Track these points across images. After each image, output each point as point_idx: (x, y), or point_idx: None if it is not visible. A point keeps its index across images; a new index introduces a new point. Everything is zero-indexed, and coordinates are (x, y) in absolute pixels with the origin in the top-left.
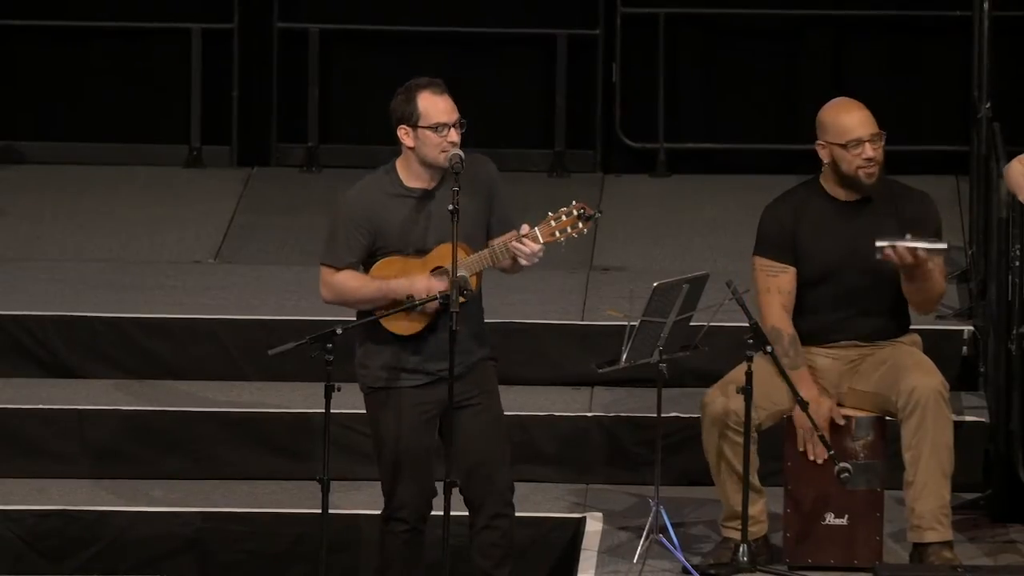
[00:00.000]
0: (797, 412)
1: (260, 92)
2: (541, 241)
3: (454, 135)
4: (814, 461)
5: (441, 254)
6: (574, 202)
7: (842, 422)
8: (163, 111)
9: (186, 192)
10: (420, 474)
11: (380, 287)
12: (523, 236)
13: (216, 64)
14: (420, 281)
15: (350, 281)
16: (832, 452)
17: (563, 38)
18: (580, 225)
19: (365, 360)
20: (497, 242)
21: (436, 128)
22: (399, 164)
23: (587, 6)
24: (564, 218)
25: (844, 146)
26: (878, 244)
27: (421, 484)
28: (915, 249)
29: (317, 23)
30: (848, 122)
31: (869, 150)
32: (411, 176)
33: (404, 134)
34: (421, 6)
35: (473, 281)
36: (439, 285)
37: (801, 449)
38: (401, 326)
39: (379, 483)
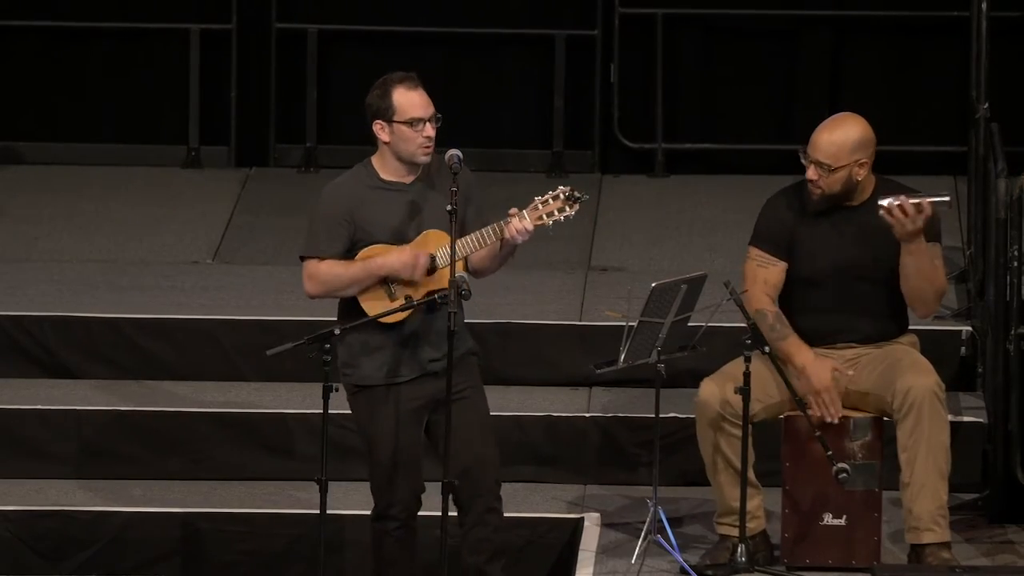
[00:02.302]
0: (812, 375)
1: (258, 93)
2: (531, 226)
3: (429, 130)
4: (812, 462)
5: (426, 240)
6: (560, 186)
7: (850, 372)
8: (161, 112)
9: (184, 192)
10: (409, 470)
11: (365, 266)
12: (510, 216)
13: (214, 65)
14: (406, 254)
15: (334, 268)
16: (830, 452)
17: (561, 39)
18: (568, 209)
19: (349, 360)
20: (485, 229)
21: (411, 123)
22: (375, 159)
23: (585, 7)
24: (551, 201)
25: (802, 156)
26: (880, 203)
27: (410, 480)
28: (919, 203)
29: (315, 23)
30: (813, 137)
31: (810, 171)
32: (387, 170)
33: (380, 129)
34: (420, 6)
35: (459, 266)
36: (423, 256)
37: (815, 416)
38: (381, 309)
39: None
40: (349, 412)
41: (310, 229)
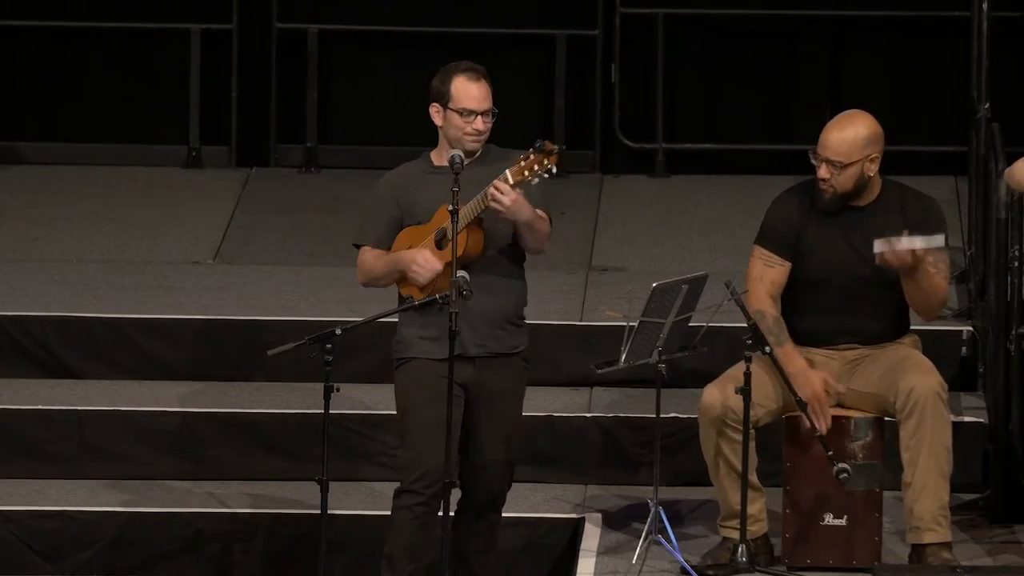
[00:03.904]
0: (808, 385)
1: (259, 93)
2: (511, 181)
3: (480, 123)
4: (813, 463)
5: (441, 216)
6: (537, 141)
7: (841, 389)
8: (162, 111)
9: (185, 193)
10: (441, 445)
11: (389, 259)
12: (495, 181)
13: (215, 65)
14: (421, 254)
15: (369, 258)
16: (831, 452)
17: (562, 38)
18: (546, 162)
19: (404, 337)
20: (477, 196)
21: (463, 113)
22: (434, 150)
23: (586, 6)
24: (531, 156)
25: (812, 156)
26: (876, 249)
27: (442, 457)
28: (913, 249)
29: (316, 23)
30: (822, 135)
31: (822, 170)
32: (441, 157)
33: (435, 112)
34: (421, 6)
35: (478, 238)
36: (435, 260)
37: (808, 423)
38: (416, 294)
39: (378, 483)
40: (351, 412)
41: (360, 218)
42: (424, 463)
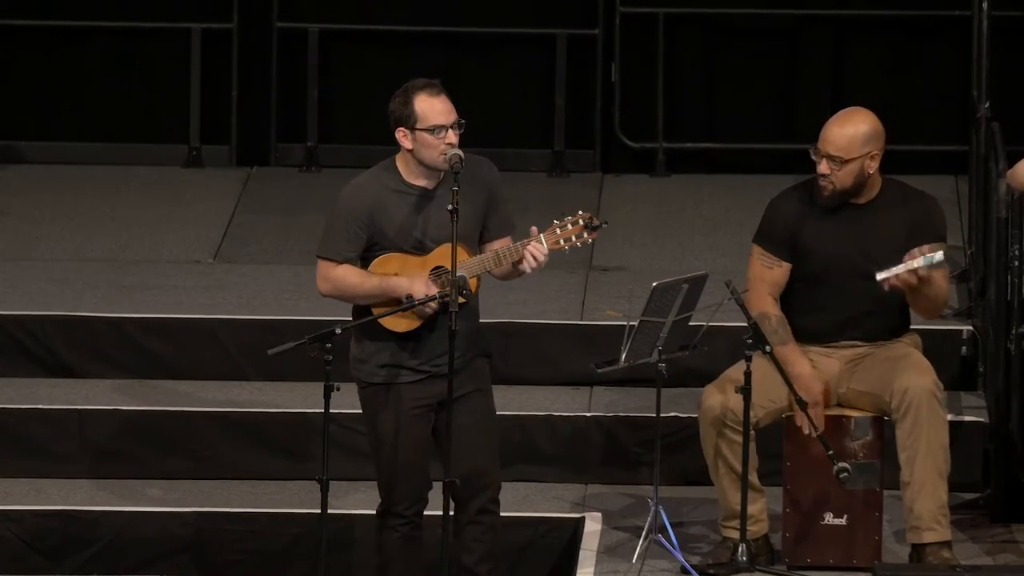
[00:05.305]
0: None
1: (260, 92)
2: (546, 249)
3: (452, 136)
4: (813, 462)
5: (442, 254)
6: (580, 211)
7: (841, 390)
8: (163, 111)
9: (186, 192)
10: (416, 468)
11: (380, 283)
12: (528, 240)
13: (216, 64)
14: (419, 283)
15: (349, 276)
16: (831, 452)
17: (562, 38)
18: (586, 235)
19: (362, 355)
20: (497, 244)
21: (433, 131)
22: (399, 161)
23: (586, 6)
24: (570, 227)
25: (813, 152)
26: (878, 279)
27: (417, 478)
28: (915, 270)
29: (317, 23)
30: (823, 131)
31: (821, 165)
32: (411, 174)
33: (402, 136)
34: (421, 6)
35: (473, 283)
36: (436, 290)
37: (804, 429)
38: (399, 324)
39: (377, 482)
40: (351, 411)
41: (328, 229)
42: (403, 486)
